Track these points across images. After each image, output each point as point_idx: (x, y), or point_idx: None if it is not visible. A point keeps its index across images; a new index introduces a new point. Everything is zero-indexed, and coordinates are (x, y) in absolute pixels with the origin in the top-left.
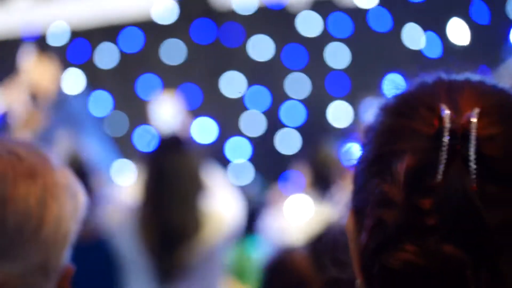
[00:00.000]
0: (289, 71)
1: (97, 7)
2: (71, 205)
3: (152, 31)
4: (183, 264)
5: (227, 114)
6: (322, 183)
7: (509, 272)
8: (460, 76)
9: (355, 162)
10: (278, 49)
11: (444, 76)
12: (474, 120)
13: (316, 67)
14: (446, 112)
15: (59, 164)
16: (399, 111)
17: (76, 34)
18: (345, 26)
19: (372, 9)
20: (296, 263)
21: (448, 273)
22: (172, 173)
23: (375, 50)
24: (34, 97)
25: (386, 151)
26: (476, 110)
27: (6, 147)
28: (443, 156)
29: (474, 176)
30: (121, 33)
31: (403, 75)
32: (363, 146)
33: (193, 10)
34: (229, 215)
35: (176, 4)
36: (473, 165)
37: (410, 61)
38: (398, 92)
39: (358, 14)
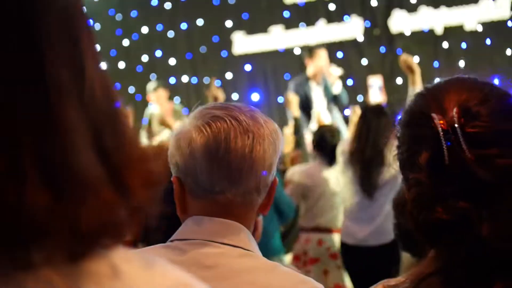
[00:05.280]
0: None
1: None
2: (271, 147)
3: None
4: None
5: None
6: None
7: (504, 215)
8: (441, 81)
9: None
10: None
11: (429, 86)
12: (454, 114)
13: None
14: (436, 118)
15: (265, 120)
16: (409, 124)
17: None
18: None
19: None
20: None
21: (462, 219)
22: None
23: None
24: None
25: (410, 153)
26: (455, 107)
27: (229, 113)
28: (444, 147)
29: (468, 153)
30: None
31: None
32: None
33: None
34: None
35: None
36: (465, 146)
37: None
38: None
39: None
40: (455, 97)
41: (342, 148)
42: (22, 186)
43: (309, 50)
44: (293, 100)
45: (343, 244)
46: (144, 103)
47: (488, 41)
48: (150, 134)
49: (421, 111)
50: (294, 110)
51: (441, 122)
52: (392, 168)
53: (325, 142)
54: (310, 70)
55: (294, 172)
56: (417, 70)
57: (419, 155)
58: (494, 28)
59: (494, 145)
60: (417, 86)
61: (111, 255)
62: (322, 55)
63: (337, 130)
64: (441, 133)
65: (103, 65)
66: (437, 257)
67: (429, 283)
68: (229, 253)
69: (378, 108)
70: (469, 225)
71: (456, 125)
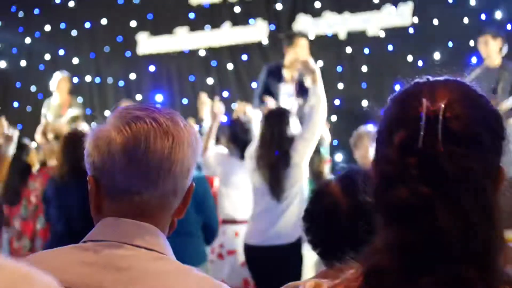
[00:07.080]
0: None
1: None
2: (190, 150)
3: None
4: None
5: None
6: None
7: (466, 204)
8: (440, 78)
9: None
10: None
11: (429, 78)
12: (442, 106)
13: None
14: (425, 102)
15: (185, 124)
16: (399, 101)
17: None
18: None
19: None
20: (331, 189)
21: (424, 205)
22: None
23: None
24: None
25: (390, 127)
26: (445, 101)
27: (150, 115)
28: (422, 131)
29: (441, 143)
30: None
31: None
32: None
33: None
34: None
35: None
36: (440, 136)
37: None
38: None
39: None
40: (449, 93)
41: (249, 153)
42: None
43: (288, 37)
44: (205, 103)
45: (246, 246)
46: None
47: (390, 47)
48: (46, 127)
49: (414, 93)
50: (202, 112)
51: (428, 107)
52: (298, 169)
53: (237, 137)
54: (287, 59)
55: (210, 156)
56: (317, 69)
57: (397, 133)
58: (396, 34)
59: (465, 147)
60: (317, 84)
61: None
62: (303, 44)
63: (249, 128)
64: (424, 116)
65: None
66: (389, 236)
67: (379, 260)
68: (143, 256)
69: (279, 111)
70: (427, 211)
71: (440, 116)
